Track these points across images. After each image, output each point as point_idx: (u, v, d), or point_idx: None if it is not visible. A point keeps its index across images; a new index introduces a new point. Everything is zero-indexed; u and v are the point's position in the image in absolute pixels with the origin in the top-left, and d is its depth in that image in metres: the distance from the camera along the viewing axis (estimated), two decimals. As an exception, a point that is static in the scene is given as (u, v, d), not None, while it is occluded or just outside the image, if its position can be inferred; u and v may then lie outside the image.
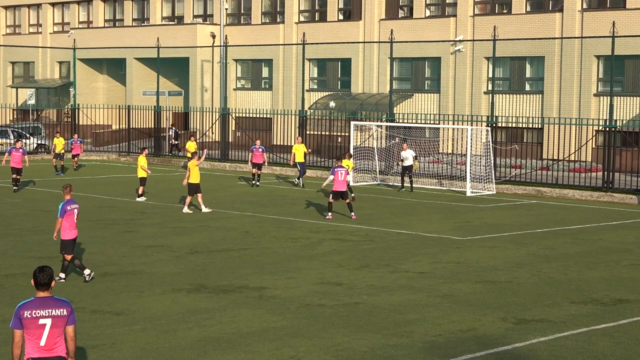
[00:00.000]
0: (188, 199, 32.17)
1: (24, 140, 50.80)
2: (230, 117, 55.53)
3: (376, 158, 44.84)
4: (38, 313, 10.11)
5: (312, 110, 55.07)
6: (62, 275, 20.18)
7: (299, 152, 42.08)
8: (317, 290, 19.42)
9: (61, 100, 76.22)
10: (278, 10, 63.43)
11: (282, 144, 53.65)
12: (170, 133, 59.87)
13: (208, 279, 20.54)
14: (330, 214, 30.93)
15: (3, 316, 16.75)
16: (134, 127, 59.48)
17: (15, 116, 75.87)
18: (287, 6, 62.16)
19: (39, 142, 60.21)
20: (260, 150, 42.09)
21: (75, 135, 51.10)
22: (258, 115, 55.29)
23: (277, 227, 28.86)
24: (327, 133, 51.70)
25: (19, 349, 10.16)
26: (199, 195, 32.20)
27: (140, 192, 35.71)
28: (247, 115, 55.75)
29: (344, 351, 14.87)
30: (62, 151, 47.29)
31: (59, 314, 10.18)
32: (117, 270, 21.55)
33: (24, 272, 20.90)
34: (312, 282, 20.35)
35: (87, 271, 20.07)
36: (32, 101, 70.07)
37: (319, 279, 20.71)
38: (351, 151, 41.18)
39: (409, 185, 40.38)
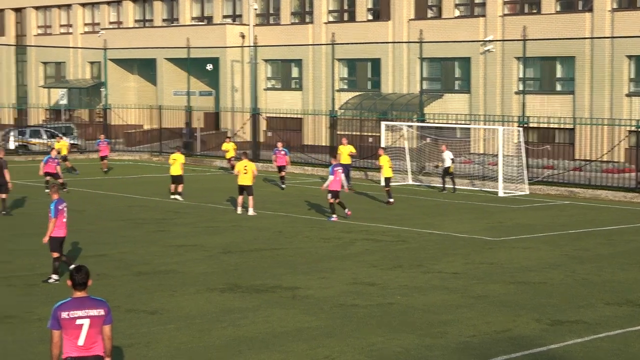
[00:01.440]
0: (238, 200, 32.03)
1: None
2: (261, 117, 55.62)
3: (407, 158, 44.74)
4: (75, 313, 10.14)
5: (342, 111, 55.04)
6: (55, 276, 20.06)
7: (344, 153, 41.20)
8: (350, 291, 19.42)
9: (93, 100, 76.58)
10: (307, 10, 63.43)
11: (312, 144, 53.66)
12: (185, 132, 60.02)
13: (241, 278, 20.59)
14: (335, 216, 30.66)
15: (39, 315, 16.87)
16: (165, 127, 59.69)
17: (47, 116, 76.35)
18: (316, 6, 62.14)
19: (72, 142, 60.50)
20: (282, 152, 41.61)
21: (102, 136, 49.59)
22: (288, 115, 55.33)
23: (309, 227, 28.88)
24: (358, 133, 51.66)
25: (58, 349, 10.20)
26: (250, 197, 31.93)
27: (180, 190, 35.72)
28: (278, 115, 55.81)
29: (377, 351, 14.86)
30: (66, 154, 45.70)
31: (97, 313, 10.21)
32: (151, 269, 21.64)
33: (58, 272, 21.04)
34: (345, 282, 20.34)
35: (55, 276, 19.90)
36: (64, 101, 70.49)
37: (352, 279, 20.71)
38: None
39: (451, 186, 40.23)
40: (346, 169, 41.03)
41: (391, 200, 35.17)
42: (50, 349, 10.19)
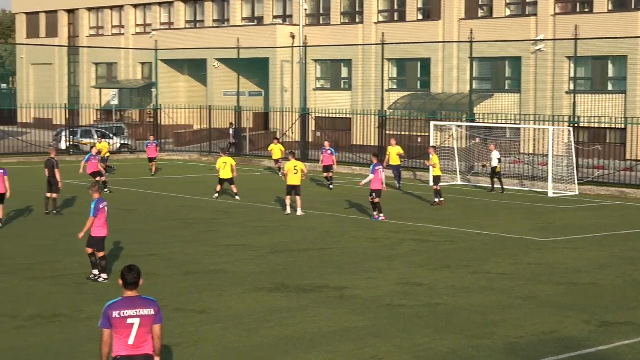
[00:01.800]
0: (287, 200, 32.14)
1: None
2: (310, 117, 55.73)
3: (456, 158, 44.60)
4: (126, 313, 10.19)
5: (391, 111, 54.97)
6: (105, 275, 20.21)
7: (393, 154, 40.91)
8: (397, 291, 19.41)
9: (143, 100, 77.18)
10: (357, 10, 63.43)
11: (361, 144, 53.64)
12: (231, 132, 60.25)
13: (289, 278, 20.66)
14: (382, 215, 30.56)
15: (87, 314, 17.05)
16: (215, 127, 60.01)
17: (98, 116, 77.07)
18: (366, 6, 62.14)
19: (122, 142, 61.09)
20: (329, 152, 41.36)
21: (151, 137, 48.76)
22: (337, 116, 55.36)
23: (357, 227, 28.88)
24: (407, 133, 51.57)
25: (108, 348, 10.26)
26: (298, 197, 31.99)
27: (235, 190, 35.95)
28: (327, 115, 55.86)
29: (424, 352, 14.85)
30: (108, 155, 45.35)
31: (147, 313, 10.26)
32: (200, 269, 21.77)
33: (108, 271, 21.25)
34: (392, 282, 20.34)
35: (95, 271, 20.08)
36: (115, 102, 71.09)
37: (400, 279, 20.70)
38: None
39: (499, 186, 40.05)
40: (397, 170, 41.00)
41: (439, 200, 34.93)
42: (100, 347, 10.25)
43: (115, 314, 10.17)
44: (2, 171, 28.32)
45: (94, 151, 37.62)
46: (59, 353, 14.62)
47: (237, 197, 35.48)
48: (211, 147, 58.49)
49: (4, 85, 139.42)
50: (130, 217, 30.72)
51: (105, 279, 20.09)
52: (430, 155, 36.04)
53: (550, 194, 38.94)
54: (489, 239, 26.91)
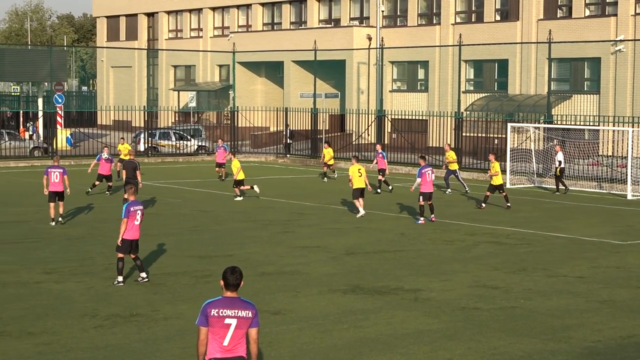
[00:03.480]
0: (357, 203, 32.12)
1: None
2: (386, 119, 55.66)
3: (534, 160, 44.20)
4: (224, 312, 10.10)
5: (468, 112, 54.68)
6: (144, 274, 20.32)
7: (450, 158, 40.32)
8: (472, 293, 19.31)
9: (221, 102, 77.83)
10: (434, 11, 63.24)
11: (437, 145, 53.42)
12: (286, 133, 60.47)
13: (364, 280, 20.66)
14: (422, 218, 30.18)
15: (164, 313, 17.25)
16: (291, 129, 60.26)
17: (176, 118, 77.88)
18: (444, 7, 61.91)
19: (200, 143, 61.66)
20: (381, 155, 40.55)
21: (220, 141, 47.55)
22: (413, 117, 55.23)
23: (432, 229, 28.78)
24: (484, 135, 51.24)
25: (204, 347, 10.17)
26: (360, 199, 32.07)
27: (238, 192, 36.24)
28: (403, 117, 55.75)
29: (500, 355, 14.75)
30: (127, 157, 45.68)
31: (244, 315, 10.16)
32: (275, 270, 21.88)
33: (184, 271, 21.45)
34: (467, 284, 20.24)
35: (120, 278, 19.95)
36: (193, 104, 71.79)
37: (475, 281, 20.58)
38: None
39: (563, 187, 39.67)
40: (454, 174, 39.87)
41: (483, 205, 34.09)
42: (196, 345, 10.18)
43: (213, 312, 10.09)
44: (61, 170, 28.96)
45: (105, 153, 37.39)
46: (135, 352, 14.79)
47: (238, 198, 35.74)
48: (287, 149, 58.74)
49: (84, 88, 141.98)
50: (207, 218, 31.01)
51: (144, 279, 20.19)
52: (492, 164, 34.64)
53: (629, 197, 38.39)
54: (566, 242, 26.61)
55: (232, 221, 30.38)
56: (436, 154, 51.59)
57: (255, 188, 36.52)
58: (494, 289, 19.84)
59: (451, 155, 40.40)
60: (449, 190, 39.72)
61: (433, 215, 30.30)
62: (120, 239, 19.99)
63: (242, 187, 36.46)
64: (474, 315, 17.35)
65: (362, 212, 31.62)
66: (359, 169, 31.87)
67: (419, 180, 30.16)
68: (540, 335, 15.93)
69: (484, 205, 34.06)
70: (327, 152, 45.23)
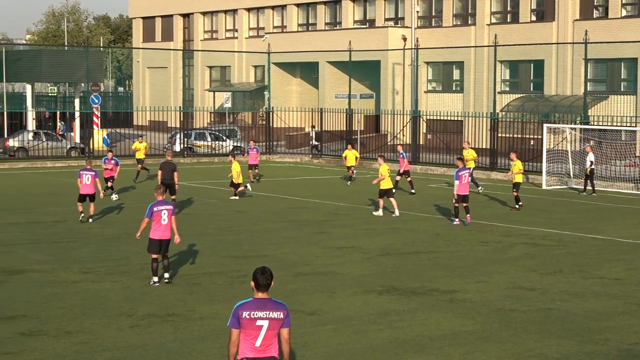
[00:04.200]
0: (380, 202, 32.27)
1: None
2: (421, 119, 55.58)
3: (570, 161, 43.97)
4: (256, 314, 10.14)
5: (503, 113, 54.48)
6: (167, 275, 20.29)
7: (469, 157, 40.01)
8: (508, 295, 19.26)
9: (256, 103, 78.03)
10: (469, 12, 63.07)
11: (472, 146, 53.22)
12: (312, 134, 60.47)
13: (399, 280, 20.66)
14: (457, 219, 29.97)
15: (200, 313, 17.34)
16: (326, 129, 60.34)
17: (212, 119, 78.17)
18: (479, 7, 61.73)
19: (235, 144, 61.83)
20: (402, 156, 40.24)
21: (252, 142, 46.09)
22: (448, 118, 55.12)
23: (467, 231, 28.72)
24: (519, 136, 51.05)
25: (235, 348, 10.22)
26: (392, 199, 32.18)
27: (236, 192, 36.39)
28: (438, 117, 55.62)
29: (535, 357, 14.72)
30: (143, 157, 45.14)
31: (276, 316, 10.20)
32: (310, 270, 21.93)
33: (219, 272, 21.55)
34: (503, 286, 20.18)
35: (155, 278, 19.99)
36: (229, 104, 72.04)
37: (511, 283, 20.52)
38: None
39: (591, 188, 39.46)
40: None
41: (519, 206, 33.93)
42: (228, 346, 10.23)
43: (245, 314, 10.14)
44: (93, 173, 29.41)
45: (110, 155, 36.97)
46: (171, 351, 14.89)
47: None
48: (323, 149, 58.80)
49: (120, 89, 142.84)
50: (243, 218, 31.12)
51: (166, 279, 20.15)
52: (513, 162, 34.32)
53: (667, 198, 38.13)
54: (603, 244, 26.46)
55: (267, 222, 30.47)
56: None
57: (248, 186, 36.62)
58: (530, 290, 19.77)
59: (471, 153, 40.09)
60: (480, 188, 39.55)
61: (468, 216, 30.11)
62: (139, 233, 20.43)
63: (239, 189, 36.59)
64: (509, 317, 17.30)
65: (380, 212, 31.77)
66: (388, 169, 32.11)
67: (456, 182, 29.90)
68: (577, 337, 15.86)
69: (517, 206, 33.85)
70: (351, 154, 43.70)
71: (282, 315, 10.22)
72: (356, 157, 44.25)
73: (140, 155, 44.91)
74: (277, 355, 10.33)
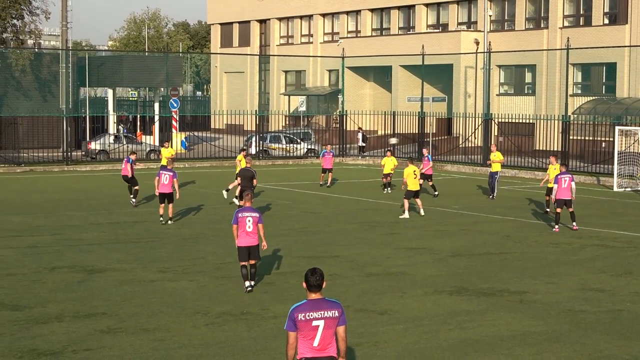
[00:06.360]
0: (405, 203, 32.27)
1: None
2: (493, 122, 55.50)
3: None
4: (311, 315, 10.28)
5: (575, 115, 54.19)
6: (248, 283, 19.77)
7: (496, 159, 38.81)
8: (578, 296, 19.33)
9: (330, 106, 78.44)
10: (542, 15, 62.79)
11: (544, 149, 53.07)
12: (359, 136, 60.58)
13: (469, 281, 20.84)
14: (558, 225, 29.09)
15: (274, 312, 17.67)
16: (399, 132, 60.53)
17: (287, 122, 78.77)
18: (552, 11, 61.44)
19: (309, 147, 62.34)
20: (426, 158, 39.70)
21: (329, 146, 45.78)
22: (520, 121, 54.99)
23: (538, 232, 28.77)
24: (591, 138, 50.77)
25: (293, 350, 10.38)
26: (418, 199, 32.65)
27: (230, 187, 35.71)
28: (509, 120, 55.50)
29: (605, 358, 14.77)
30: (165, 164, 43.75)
31: (331, 315, 10.33)
32: (381, 270, 22.20)
33: (293, 271, 21.88)
34: (573, 287, 20.26)
35: (247, 283, 19.68)
36: (303, 108, 72.57)
37: (581, 284, 20.59)
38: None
39: None
40: (494, 175, 38.38)
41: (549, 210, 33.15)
42: (286, 349, 10.38)
43: (300, 316, 10.27)
44: (171, 173, 30.00)
45: (133, 157, 36.61)
46: (245, 349, 15.16)
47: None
48: (394, 152, 58.94)
49: (198, 93, 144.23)
50: (316, 220, 31.47)
51: (247, 287, 19.70)
52: (552, 166, 32.86)
53: None
54: (675, 246, 26.35)
55: (340, 223, 30.79)
56: (543, 157, 51.25)
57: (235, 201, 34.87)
58: (600, 292, 19.83)
59: (497, 155, 38.69)
60: (493, 195, 38.34)
61: (575, 224, 29.17)
62: (237, 240, 19.90)
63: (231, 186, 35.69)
64: (579, 318, 17.38)
65: (406, 214, 32.02)
66: (414, 171, 32.33)
67: (555, 186, 29.13)
68: (646, 339, 15.94)
69: (548, 209, 33.21)
70: (389, 162, 41.22)
71: (337, 314, 10.36)
72: (395, 165, 42.11)
73: (164, 162, 42.17)
74: (335, 355, 10.45)
